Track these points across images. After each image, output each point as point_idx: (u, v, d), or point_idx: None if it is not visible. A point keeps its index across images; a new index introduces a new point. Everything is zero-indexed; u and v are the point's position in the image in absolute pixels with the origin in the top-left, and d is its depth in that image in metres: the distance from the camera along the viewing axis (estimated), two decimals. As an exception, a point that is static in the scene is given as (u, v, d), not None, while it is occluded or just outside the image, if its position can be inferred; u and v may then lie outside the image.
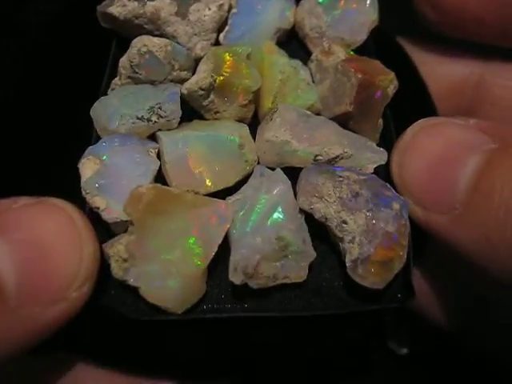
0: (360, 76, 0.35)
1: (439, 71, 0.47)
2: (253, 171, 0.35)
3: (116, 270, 0.31)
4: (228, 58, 0.36)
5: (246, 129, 0.36)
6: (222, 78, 0.35)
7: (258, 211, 0.32)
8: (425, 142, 0.35)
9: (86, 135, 0.36)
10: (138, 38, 0.37)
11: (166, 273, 0.31)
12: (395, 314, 0.41)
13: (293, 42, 0.43)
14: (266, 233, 0.32)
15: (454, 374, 0.45)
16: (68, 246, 0.30)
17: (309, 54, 0.41)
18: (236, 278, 0.31)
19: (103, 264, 0.32)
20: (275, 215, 0.32)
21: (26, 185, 0.37)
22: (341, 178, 0.33)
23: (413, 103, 0.41)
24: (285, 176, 0.34)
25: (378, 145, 0.37)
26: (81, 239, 0.30)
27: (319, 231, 0.34)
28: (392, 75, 0.37)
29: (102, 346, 0.37)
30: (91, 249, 0.31)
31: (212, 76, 0.35)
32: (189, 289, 0.32)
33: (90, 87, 0.38)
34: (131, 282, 0.31)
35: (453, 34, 0.46)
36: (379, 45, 0.41)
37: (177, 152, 0.34)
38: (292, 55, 0.41)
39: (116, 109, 0.35)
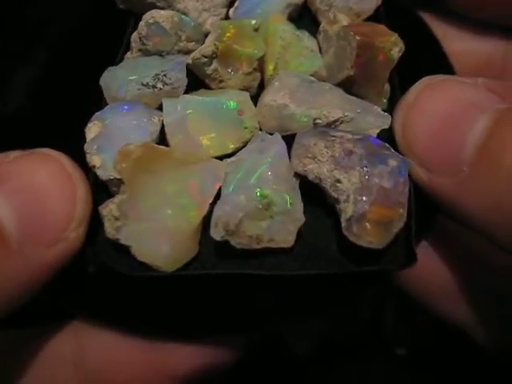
0: (358, 38, 0.35)
1: (464, 48, 0.46)
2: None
3: (109, 229, 0.32)
4: (232, 27, 0.37)
5: (246, 95, 0.36)
6: (223, 44, 0.36)
7: (249, 172, 0.32)
8: (430, 100, 0.34)
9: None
10: (148, 12, 0.38)
11: (157, 231, 0.32)
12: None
13: (304, 19, 0.43)
14: (250, 190, 0.31)
15: (454, 373, 0.42)
16: (62, 188, 0.31)
17: (321, 29, 0.41)
18: (216, 234, 0.31)
19: (99, 226, 0.33)
20: (261, 173, 0.32)
21: None
22: (333, 138, 0.33)
23: (428, 67, 0.40)
24: (282, 140, 0.34)
25: (385, 111, 0.37)
26: (72, 182, 0.32)
27: (317, 197, 0.34)
28: (395, 36, 0.36)
29: (104, 308, 0.38)
30: (83, 190, 0.32)
31: (215, 44, 0.36)
32: (180, 248, 0.32)
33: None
34: (123, 240, 0.32)
35: (474, 15, 0.44)
36: (392, 13, 0.40)
37: (176, 115, 0.35)
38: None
39: (123, 77, 0.36)
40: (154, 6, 0.40)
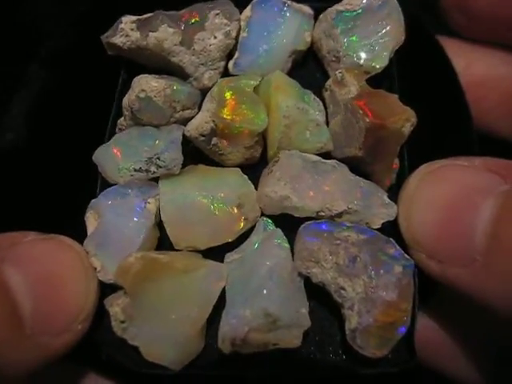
0: (368, 120, 0.32)
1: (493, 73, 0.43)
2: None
3: (116, 328, 0.32)
4: (230, 97, 0.34)
5: (248, 186, 0.35)
6: (223, 122, 0.34)
7: (252, 278, 0.32)
8: (430, 190, 0.32)
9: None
10: (138, 78, 0.35)
11: (163, 335, 0.32)
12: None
13: (310, 62, 0.39)
14: (255, 306, 0.31)
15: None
16: (77, 280, 0.32)
17: (327, 75, 0.38)
18: (224, 348, 0.31)
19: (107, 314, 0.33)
20: (268, 286, 0.31)
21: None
22: (338, 242, 0.32)
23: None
24: (284, 238, 0.33)
25: (393, 185, 0.35)
26: (87, 275, 0.32)
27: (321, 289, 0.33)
28: (408, 113, 0.33)
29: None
30: (95, 285, 0.33)
31: (213, 121, 0.34)
32: (185, 349, 0.32)
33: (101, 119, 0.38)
34: (130, 341, 0.32)
35: (482, 38, 0.42)
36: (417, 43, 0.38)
37: (175, 210, 0.33)
38: (310, 77, 0.38)
39: (114, 160, 0.35)
40: (147, 58, 0.37)
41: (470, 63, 0.42)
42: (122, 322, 0.32)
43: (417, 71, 0.39)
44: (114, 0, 0.42)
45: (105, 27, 0.37)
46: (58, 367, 0.35)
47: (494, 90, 0.42)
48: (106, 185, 0.36)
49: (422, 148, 0.36)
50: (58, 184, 0.40)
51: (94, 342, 0.34)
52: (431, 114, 0.36)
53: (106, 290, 0.34)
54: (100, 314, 0.34)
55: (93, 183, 0.36)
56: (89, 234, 0.34)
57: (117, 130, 0.37)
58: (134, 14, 0.37)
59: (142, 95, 0.34)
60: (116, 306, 0.32)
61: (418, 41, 0.39)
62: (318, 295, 0.34)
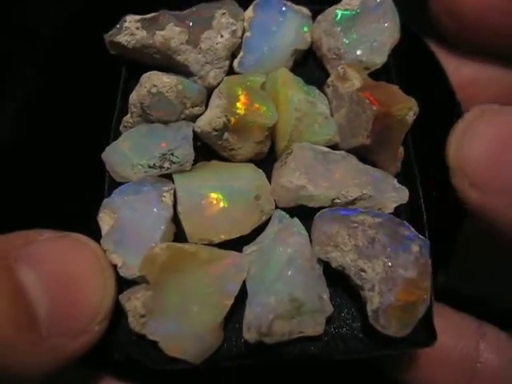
0: (375, 108, 0.34)
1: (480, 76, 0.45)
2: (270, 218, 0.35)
3: (134, 323, 0.32)
4: (241, 92, 0.35)
5: (263, 179, 0.35)
6: (236, 117, 0.34)
7: (273, 266, 0.32)
8: (484, 127, 0.35)
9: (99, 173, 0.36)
10: (147, 75, 0.35)
11: (184, 327, 0.32)
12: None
13: (309, 61, 0.41)
14: (279, 292, 0.31)
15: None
16: (94, 279, 0.31)
17: (326, 73, 0.39)
18: (250, 337, 0.31)
19: (122, 312, 0.32)
20: (289, 273, 0.32)
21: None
22: (355, 224, 0.33)
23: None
24: (302, 226, 0.34)
25: (399, 174, 0.37)
26: (105, 274, 0.31)
27: (339, 275, 0.34)
28: (411, 102, 0.35)
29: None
30: (113, 284, 0.32)
31: (226, 116, 0.34)
32: (206, 341, 0.32)
33: (102, 117, 0.38)
34: (149, 336, 0.32)
35: (471, 44, 0.44)
36: (408, 49, 0.40)
37: (191, 201, 0.33)
38: (309, 76, 0.39)
39: (127, 157, 0.34)
40: (150, 57, 0.38)
41: (458, 66, 0.44)
42: (142, 316, 0.32)
43: (407, 74, 0.40)
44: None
45: (103, 26, 0.38)
46: (71, 370, 0.34)
47: (483, 92, 0.45)
48: (114, 184, 0.35)
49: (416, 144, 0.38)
50: (62, 185, 0.39)
51: (108, 343, 0.33)
52: (423, 111, 0.38)
53: (123, 287, 0.33)
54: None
55: (97, 183, 0.36)
56: (104, 233, 0.33)
57: (121, 127, 0.37)
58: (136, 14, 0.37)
59: (154, 90, 0.35)
60: (135, 300, 0.32)
61: (407, 45, 0.41)
62: (334, 283, 0.34)
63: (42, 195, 0.39)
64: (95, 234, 0.33)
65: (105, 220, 0.33)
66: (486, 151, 0.34)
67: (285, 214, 0.35)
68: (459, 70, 0.44)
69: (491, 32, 0.42)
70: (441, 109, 0.41)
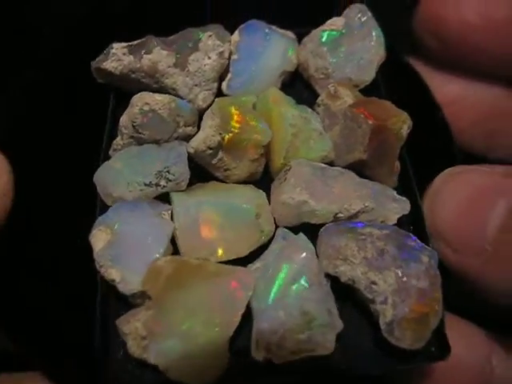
0: (371, 122, 0.34)
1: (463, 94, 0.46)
2: (270, 239, 0.33)
3: (134, 348, 0.30)
4: (234, 111, 0.34)
5: (263, 198, 0.34)
6: (230, 134, 0.33)
7: (280, 281, 0.31)
8: (453, 188, 0.36)
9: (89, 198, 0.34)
10: (138, 95, 0.35)
11: (187, 349, 0.30)
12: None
13: (297, 83, 0.41)
14: (288, 306, 0.30)
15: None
16: None
17: (314, 94, 0.40)
18: (258, 355, 0.29)
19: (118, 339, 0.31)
20: (298, 286, 0.31)
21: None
22: (363, 237, 0.32)
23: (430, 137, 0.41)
24: (308, 241, 0.33)
25: (397, 187, 0.36)
26: None
27: (346, 290, 0.33)
28: (404, 115, 0.35)
29: None
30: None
31: (220, 133, 0.33)
32: (211, 363, 0.30)
33: (90, 144, 0.36)
34: (151, 360, 0.29)
35: (454, 62, 0.45)
36: (392, 69, 0.40)
37: (188, 218, 0.32)
38: (297, 97, 0.39)
39: (122, 175, 0.33)
40: (138, 82, 0.37)
41: (442, 85, 0.45)
42: (143, 338, 0.30)
43: (393, 93, 0.41)
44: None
45: (90, 55, 0.37)
46: None
47: (468, 111, 0.46)
48: (106, 208, 0.33)
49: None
50: (51, 211, 0.37)
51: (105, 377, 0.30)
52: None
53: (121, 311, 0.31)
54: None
55: (87, 208, 0.34)
56: (98, 249, 0.31)
57: (111, 151, 0.36)
58: (124, 38, 0.37)
59: (146, 108, 0.34)
60: (136, 322, 0.30)
61: (391, 65, 0.41)
62: (341, 299, 0.33)
63: (30, 221, 0.37)
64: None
65: (99, 237, 0.31)
66: (453, 212, 0.35)
67: (288, 231, 0.33)
68: (443, 88, 0.44)
69: (474, 51, 0.43)
70: (427, 123, 0.41)
